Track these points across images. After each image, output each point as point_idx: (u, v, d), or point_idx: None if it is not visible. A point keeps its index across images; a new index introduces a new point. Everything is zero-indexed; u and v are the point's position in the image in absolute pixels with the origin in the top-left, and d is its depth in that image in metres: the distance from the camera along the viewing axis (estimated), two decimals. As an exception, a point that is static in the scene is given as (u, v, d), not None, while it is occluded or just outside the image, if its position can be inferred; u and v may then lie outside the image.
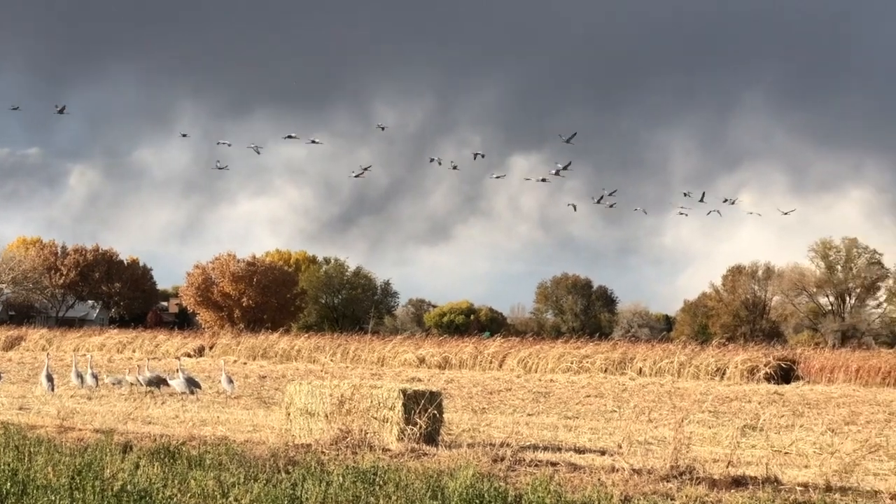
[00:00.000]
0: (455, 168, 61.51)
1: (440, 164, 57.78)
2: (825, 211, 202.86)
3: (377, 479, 18.25)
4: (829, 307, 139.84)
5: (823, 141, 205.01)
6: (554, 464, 21.49)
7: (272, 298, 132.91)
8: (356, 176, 57.98)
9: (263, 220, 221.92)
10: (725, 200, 59.62)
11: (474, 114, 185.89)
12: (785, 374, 61.57)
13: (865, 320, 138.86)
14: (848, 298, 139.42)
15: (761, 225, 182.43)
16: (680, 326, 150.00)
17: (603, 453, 25.01)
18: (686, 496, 18.12)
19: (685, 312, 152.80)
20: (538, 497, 17.23)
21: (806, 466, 23.40)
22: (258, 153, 59.79)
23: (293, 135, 57.50)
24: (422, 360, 69.93)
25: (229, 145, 60.35)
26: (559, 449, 25.79)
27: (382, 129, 60.41)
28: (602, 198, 56.23)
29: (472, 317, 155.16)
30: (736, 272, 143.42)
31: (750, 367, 61.60)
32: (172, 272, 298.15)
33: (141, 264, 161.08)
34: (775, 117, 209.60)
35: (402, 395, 25.55)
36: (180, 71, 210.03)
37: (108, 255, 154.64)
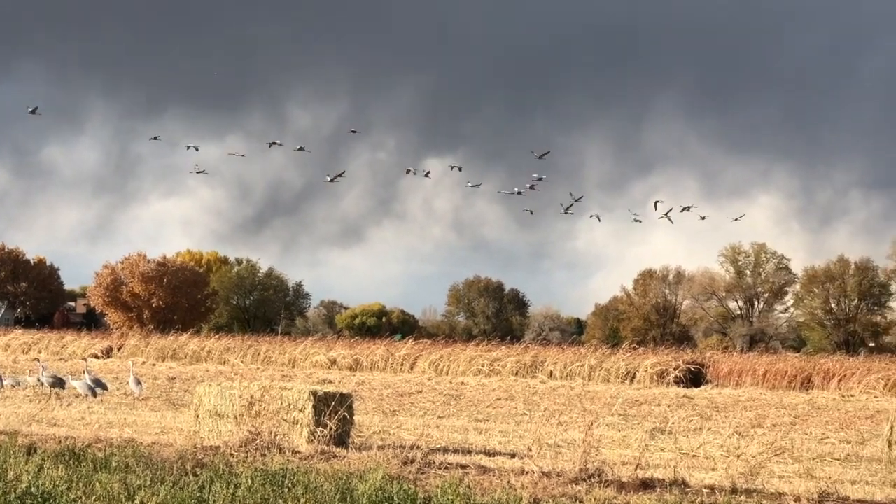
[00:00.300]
0: (427, 176, 61.40)
1: (415, 173, 57.56)
2: (734, 216, 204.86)
3: (286, 482, 18.12)
4: (738, 311, 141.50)
5: (734, 147, 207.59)
6: (464, 466, 21.49)
7: (183, 299, 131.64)
8: (331, 180, 57.60)
9: (175, 220, 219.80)
10: (685, 209, 59.98)
11: (389, 116, 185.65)
12: (694, 377, 62.21)
13: (773, 325, 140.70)
14: (756, 303, 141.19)
15: (673, 230, 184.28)
16: (591, 330, 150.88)
17: (513, 456, 25.06)
18: (594, 498, 18.19)
19: (596, 316, 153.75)
20: (447, 499, 17.21)
21: (713, 469, 23.59)
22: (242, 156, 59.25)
23: (277, 142, 56.87)
24: (333, 362, 69.71)
25: (156, 138, 59.60)
26: (469, 451, 25.79)
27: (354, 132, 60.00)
28: (532, 185, 56.31)
29: (384, 319, 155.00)
30: (647, 276, 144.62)
31: (660, 370, 62.16)
32: (81, 272, 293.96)
33: (48, 264, 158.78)
34: (688, 123, 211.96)
35: (312, 397, 25.41)
36: (90, 68, 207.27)
37: (15, 255, 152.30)
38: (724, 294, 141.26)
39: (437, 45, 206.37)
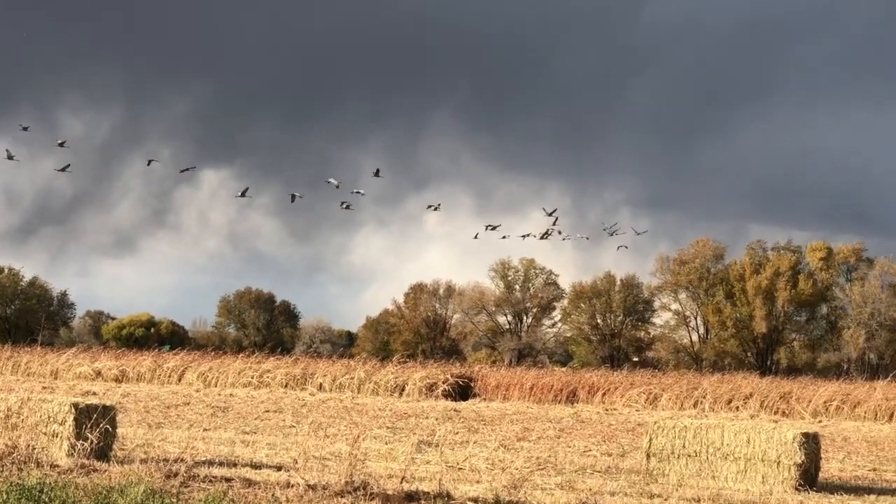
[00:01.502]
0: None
1: (337, 186, 56.31)
2: (508, 232, 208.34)
3: (42, 497, 17.57)
4: (507, 326, 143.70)
5: (508, 164, 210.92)
6: (229, 480, 21.21)
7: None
8: (241, 195, 55.91)
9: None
10: (605, 229, 60.67)
11: (164, 126, 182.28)
12: (463, 390, 62.89)
13: (541, 339, 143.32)
14: (525, 317, 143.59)
15: (447, 244, 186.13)
16: (362, 343, 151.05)
17: (279, 469, 24.87)
18: (360, 511, 18.19)
19: (367, 329, 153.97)
20: (211, 513, 16.97)
21: (478, 482, 23.88)
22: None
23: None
24: (98, 374, 68.11)
25: (26, 129, 56.76)
26: (235, 464, 25.48)
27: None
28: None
29: (152, 329, 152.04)
30: (418, 290, 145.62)
31: (429, 383, 62.66)
32: None
33: None
34: (463, 140, 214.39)
35: (73, 410, 24.76)
36: None
37: None
38: (493, 308, 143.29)
39: (215, 55, 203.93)
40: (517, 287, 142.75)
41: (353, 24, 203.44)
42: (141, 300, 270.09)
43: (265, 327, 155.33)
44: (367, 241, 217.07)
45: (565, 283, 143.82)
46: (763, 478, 26.14)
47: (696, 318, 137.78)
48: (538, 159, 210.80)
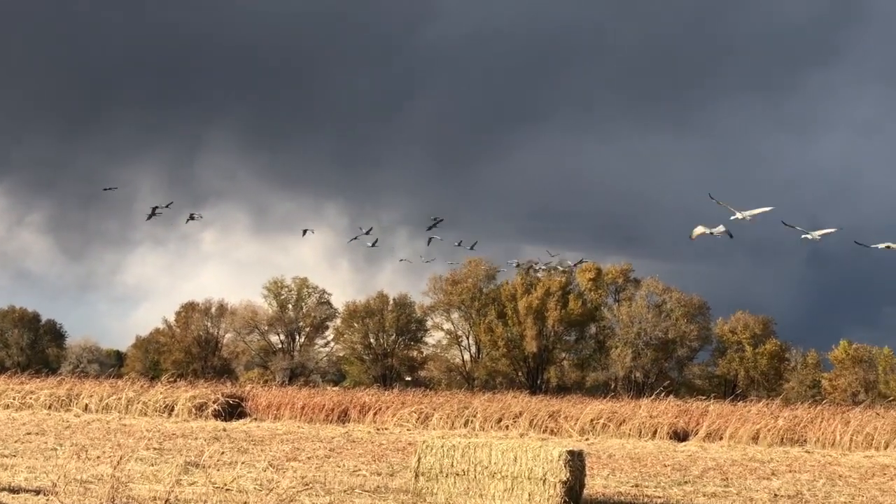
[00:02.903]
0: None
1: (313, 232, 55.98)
2: (283, 251, 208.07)
3: None
4: (280, 345, 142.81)
5: (285, 183, 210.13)
6: (-17, 505, 20.41)
7: None
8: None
9: None
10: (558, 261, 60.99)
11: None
12: (233, 410, 62.12)
13: (314, 358, 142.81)
14: (298, 337, 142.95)
15: (222, 263, 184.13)
16: (131, 362, 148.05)
17: (38, 493, 24.09)
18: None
19: (137, 348, 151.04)
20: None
21: (245, 503, 23.56)
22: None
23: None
24: None
25: None
26: (-9, 489, 24.54)
27: None
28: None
29: None
30: (189, 309, 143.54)
31: (199, 403, 61.69)
32: None
33: None
34: (240, 158, 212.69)
35: None
36: None
37: None
38: (266, 327, 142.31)
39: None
40: (290, 306, 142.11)
41: (129, 40, 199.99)
42: None
43: (29, 347, 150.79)
44: (143, 260, 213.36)
45: (337, 302, 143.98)
46: (529, 496, 26.49)
47: (468, 338, 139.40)
48: (316, 178, 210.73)
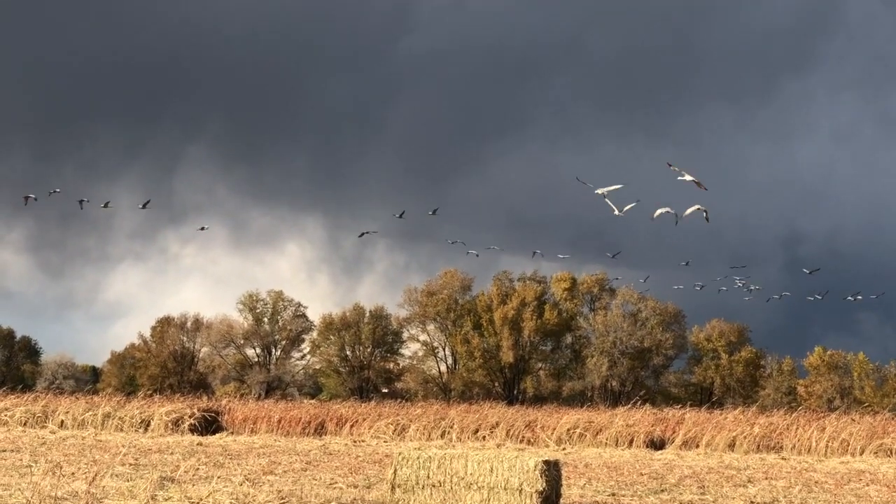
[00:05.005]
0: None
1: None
2: (261, 265, 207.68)
3: None
4: (256, 359, 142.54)
5: (264, 197, 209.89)
6: (-44, 523, 20.32)
7: None
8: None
9: None
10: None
11: None
12: (210, 425, 61.95)
13: (290, 371, 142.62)
14: (274, 350, 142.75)
15: (201, 278, 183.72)
16: (107, 378, 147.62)
17: (12, 510, 23.96)
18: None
19: (113, 364, 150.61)
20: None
21: (221, 517, 23.49)
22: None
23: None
24: None
25: None
26: (-35, 507, 24.42)
27: None
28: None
29: None
30: (165, 323, 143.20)
31: (175, 418, 61.49)
32: None
33: None
34: (219, 173, 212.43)
35: None
36: None
37: None
38: (242, 341, 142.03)
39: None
40: (266, 320, 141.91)
41: (107, 57, 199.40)
42: None
43: (4, 363, 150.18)
44: (125, 277, 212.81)
45: (313, 315, 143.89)
46: (506, 505, 26.49)
47: (444, 349, 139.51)
48: (294, 191, 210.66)
